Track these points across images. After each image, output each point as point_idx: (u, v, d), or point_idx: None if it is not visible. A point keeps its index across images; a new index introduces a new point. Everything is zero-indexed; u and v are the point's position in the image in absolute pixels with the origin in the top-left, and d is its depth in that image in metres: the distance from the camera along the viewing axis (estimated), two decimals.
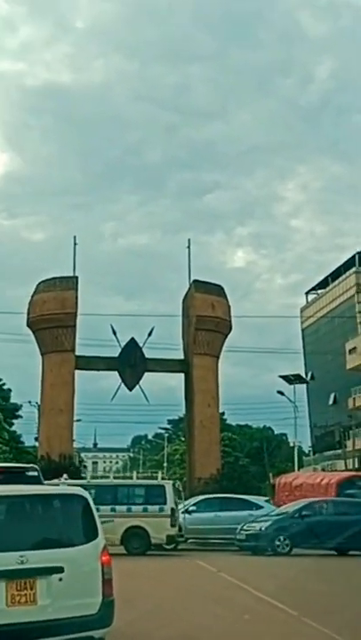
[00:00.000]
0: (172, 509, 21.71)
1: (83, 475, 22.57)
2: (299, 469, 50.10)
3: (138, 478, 26.55)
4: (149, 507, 21.64)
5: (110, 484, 23.55)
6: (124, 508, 21.34)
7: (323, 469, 53.20)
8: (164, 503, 21.67)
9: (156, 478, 25.98)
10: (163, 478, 25.53)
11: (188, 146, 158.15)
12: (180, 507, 24.72)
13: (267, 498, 27.55)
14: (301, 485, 28.70)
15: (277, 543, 21.34)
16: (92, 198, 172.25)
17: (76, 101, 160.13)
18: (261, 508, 25.66)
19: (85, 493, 7.36)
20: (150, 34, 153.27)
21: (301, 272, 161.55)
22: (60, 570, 6.64)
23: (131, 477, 25.42)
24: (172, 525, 21.61)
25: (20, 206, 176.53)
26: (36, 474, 8.01)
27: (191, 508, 25.77)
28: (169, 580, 15.46)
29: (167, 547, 22.74)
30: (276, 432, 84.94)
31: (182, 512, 24.51)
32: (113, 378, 39.76)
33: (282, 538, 21.41)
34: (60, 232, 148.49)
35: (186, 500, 26.79)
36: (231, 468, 47.19)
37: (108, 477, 30.34)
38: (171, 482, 24.06)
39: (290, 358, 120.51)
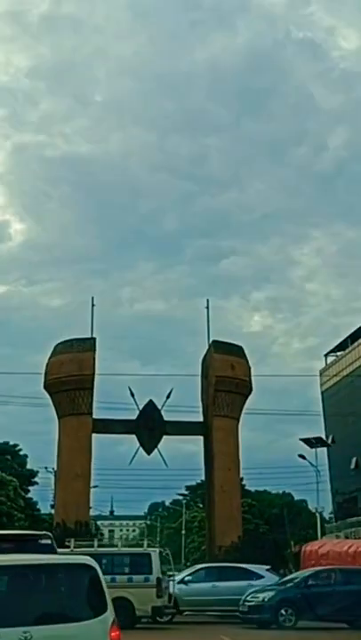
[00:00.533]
0: (158, 579, 20.44)
1: (67, 542, 21.50)
2: (321, 537, 48.69)
3: (123, 546, 25.46)
4: (134, 576, 20.36)
5: (94, 553, 22.20)
6: (107, 577, 19.91)
7: (346, 537, 51.60)
8: (150, 573, 20.47)
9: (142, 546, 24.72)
10: (149, 546, 24.11)
11: (204, 214, 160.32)
12: (178, 576, 23.84)
13: (268, 567, 26.28)
14: (328, 553, 27.45)
15: (281, 615, 20.07)
16: (109, 265, 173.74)
17: (94, 171, 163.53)
18: (262, 577, 24.32)
19: (94, 563, 6.86)
20: (167, 106, 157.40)
21: (318, 336, 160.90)
22: None
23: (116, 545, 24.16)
24: (159, 596, 20.33)
25: (38, 273, 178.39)
26: (49, 542, 7.64)
27: (187, 578, 24.51)
28: None
29: (161, 620, 21.49)
30: (295, 498, 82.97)
31: (178, 582, 23.32)
32: (130, 443, 39.05)
33: (286, 610, 20.13)
34: (77, 298, 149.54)
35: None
36: (252, 535, 45.73)
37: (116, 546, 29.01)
38: (157, 550, 22.82)
39: (308, 423, 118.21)
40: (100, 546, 21.60)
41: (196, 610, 24.26)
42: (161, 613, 21.05)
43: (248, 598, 21.08)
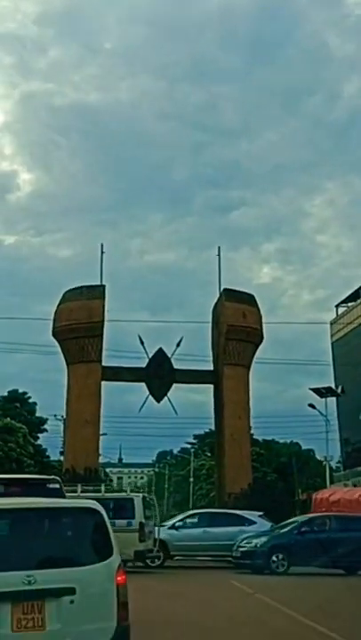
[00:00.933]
0: (141, 523, 20.69)
1: None
2: (330, 485, 48.91)
3: (107, 492, 25.79)
4: (117, 521, 20.49)
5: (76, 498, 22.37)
6: None
7: (354, 485, 51.82)
8: (133, 517, 20.69)
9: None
10: (132, 491, 24.21)
11: (215, 164, 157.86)
12: (171, 521, 24.45)
13: (260, 513, 26.43)
14: (339, 501, 27.38)
15: (273, 561, 20.11)
16: (119, 215, 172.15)
17: (103, 120, 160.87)
18: (254, 523, 24.39)
19: (99, 507, 6.57)
20: (177, 54, 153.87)
21: (328, 288, 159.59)
22: (71, 591, 5.92)
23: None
24: (141, 540, 20.55)
25: (47, 223, 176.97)
26: (57, 486, 7.47)
27: (178, 524, 24.77)
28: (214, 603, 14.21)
29: (152, 564, 21.85)
30: (303, 447, 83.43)
31: (169, 527, 23.74)
32: (139, 393, 38.89)
33: (279, 556, 20.18)
34: (86, 249, 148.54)
35: None
36: (261, 483, 45.96)
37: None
38: (140, 495, 23.13)
39: (316, 374, 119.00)
40: (83, 491, 21.90)
41: (186, 555, 24.47)
42: (143, 557, 21.27)
43: (241, 544, 21.19)
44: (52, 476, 8.38)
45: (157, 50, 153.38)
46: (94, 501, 6.78)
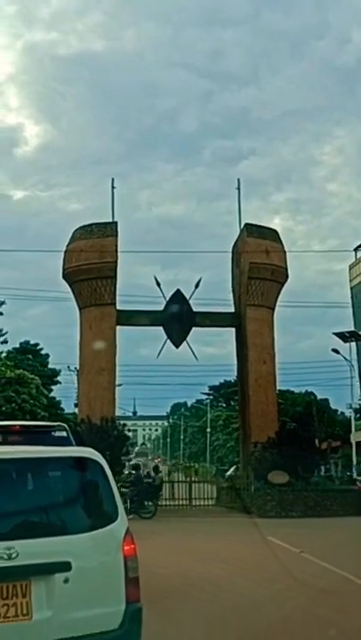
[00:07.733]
0: None
1: None
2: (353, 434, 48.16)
3: None
4: None
5: None
6: None
7: None
8: None
9: None
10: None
11: (223, 112, 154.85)
12: None
13: None
14: None
15: None
16: (127, 167, 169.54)
17: (109, 70, 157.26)
18: None
19: (99, 457, 5.39)
20: None
21: (338, 237, 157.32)
22: (65, 567, 4.73)
23: None
24: None
25: (55, 177, 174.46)
26: (64, 434, 6.37)
27: None
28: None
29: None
30: (319, 397, 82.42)
31: None
32: (152, 346, 36.64)
33: None
34: (95, 202, 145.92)
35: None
36: (288, 431, 44.19)
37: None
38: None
39: (328, 324, 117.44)
40: None
41: None
42: None
43: None
44: (58, 423, 7.16)
45: None
46: (92, 450, 5.54)
